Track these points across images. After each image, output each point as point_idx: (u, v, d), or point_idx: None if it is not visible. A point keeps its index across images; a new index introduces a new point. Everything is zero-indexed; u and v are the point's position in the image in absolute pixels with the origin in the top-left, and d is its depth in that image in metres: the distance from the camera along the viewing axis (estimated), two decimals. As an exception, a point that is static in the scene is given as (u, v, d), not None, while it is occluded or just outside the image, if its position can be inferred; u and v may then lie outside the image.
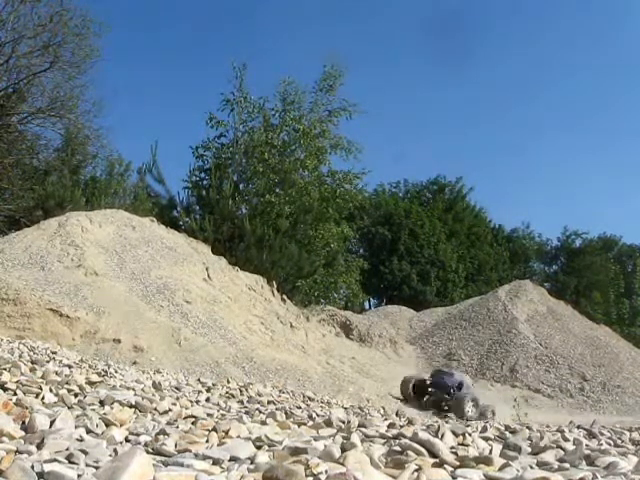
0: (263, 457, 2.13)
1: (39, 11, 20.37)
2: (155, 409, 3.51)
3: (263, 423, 3.39)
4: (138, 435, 2.56)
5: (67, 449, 2.02)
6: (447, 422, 7.91)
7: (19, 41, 20.26)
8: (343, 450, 2.16)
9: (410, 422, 4.62)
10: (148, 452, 2.15)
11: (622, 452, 2.79)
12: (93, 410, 3.03)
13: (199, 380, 6.92)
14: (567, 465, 2.25)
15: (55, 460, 1.85)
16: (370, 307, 32.61)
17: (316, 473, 1.85)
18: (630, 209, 68.51)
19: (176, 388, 5.37)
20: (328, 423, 3.53)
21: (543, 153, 71.83)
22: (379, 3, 69.08)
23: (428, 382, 12.76)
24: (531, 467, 2.24)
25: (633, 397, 17.47)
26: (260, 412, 4.37)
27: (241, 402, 5.38)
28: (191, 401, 4.45)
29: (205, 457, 2.04)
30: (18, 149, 21.26)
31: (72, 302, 9.67)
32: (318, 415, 4.75)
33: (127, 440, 2.49)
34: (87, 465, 1.88)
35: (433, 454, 2.22)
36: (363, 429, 3.13)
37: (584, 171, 72.58)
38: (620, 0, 65.48)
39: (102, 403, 3.36)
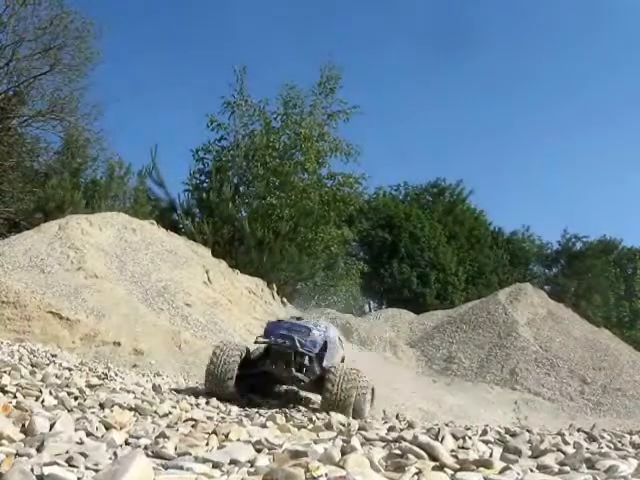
0: (263, 460, 2.13)
1: (39, 14, 20.46)
2: (155, 412, 3.51)
3: (263, 426, 3.39)
4: (138, 438, 2.56)
5: (67, 452, 2.02)
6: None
7: (20, 44, 20.34)
8: (343, 453, 2.16)
9: (410, 425, 4.62)
10: (148, 455, 2.15)
11: (622, 455, 2.78)
12: (93, 413, 3.03)
13: (199, 383, 6.90)
14: (567, 468, 2.25)
15: (55, 463, 1.85)
16: (370, 310, 32.55)
17: (316, 476, 1.85)
18: (630, 212, 68.37)
19: (176, 391, 5.36)
20: (328, 426, 3.53)
21: (543, 156, 71.83)
22: (381, 4, 69.17)
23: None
24: (531, 470, 2.24)
25: (633, 400, 17.40)
26: (260, 415, 4.37)
27: (241, 405, 5.38)
28: (191, 404, 4.45)
29: (205, 460, 2.04)
30: (18, 152, 21.25)
31: (72, 305, 9.66)
32: (318, 418, 4.75)
33: (127, 443, 2.49)
34: (87, 468, 1.88)
35: (433, 457, 2.21)
36: (363, 432, 3.13)
37: (584, 174, 72.58)
38: None
39: (102, 406, 3.36)
